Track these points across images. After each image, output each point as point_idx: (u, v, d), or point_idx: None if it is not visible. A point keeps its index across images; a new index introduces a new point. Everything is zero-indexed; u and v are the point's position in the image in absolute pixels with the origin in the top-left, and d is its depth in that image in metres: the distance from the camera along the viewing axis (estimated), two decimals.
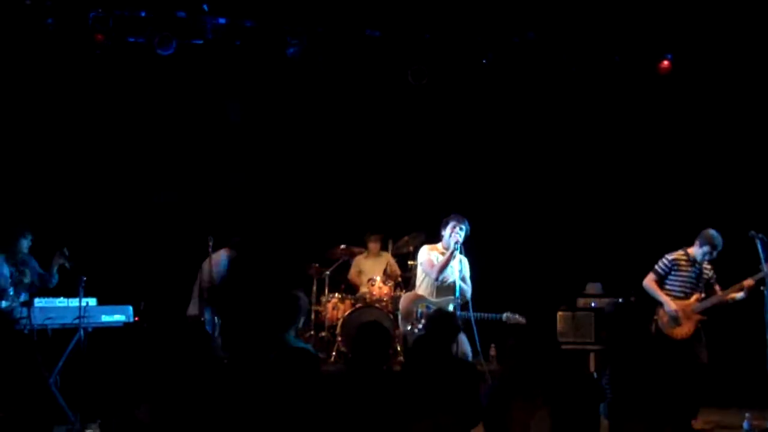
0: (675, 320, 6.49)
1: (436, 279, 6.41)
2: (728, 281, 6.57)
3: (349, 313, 8.10)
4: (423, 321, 6.24)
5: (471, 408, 4.14)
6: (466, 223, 6.42)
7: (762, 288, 6.14)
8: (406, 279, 8.52)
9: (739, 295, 6.43)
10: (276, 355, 4.16)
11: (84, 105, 8.21)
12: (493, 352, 7.85)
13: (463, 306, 6.29)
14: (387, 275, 8.57)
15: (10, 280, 6.22)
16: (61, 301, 6.37)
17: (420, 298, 6.51)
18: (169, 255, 7.99)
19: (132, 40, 7.72)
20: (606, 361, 5.73)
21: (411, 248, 8.55)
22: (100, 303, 6.54)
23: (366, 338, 4.31)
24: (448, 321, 4.82)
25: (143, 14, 7.64)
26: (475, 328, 6.15)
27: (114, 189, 8.39)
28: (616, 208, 8.73)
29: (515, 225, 8.97)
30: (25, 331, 6.03)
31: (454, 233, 6.34)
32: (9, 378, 4.81)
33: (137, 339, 6.47)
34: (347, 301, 8.47)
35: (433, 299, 6.43)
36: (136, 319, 6.68)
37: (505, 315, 6.35)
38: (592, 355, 7.53)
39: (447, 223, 6.43)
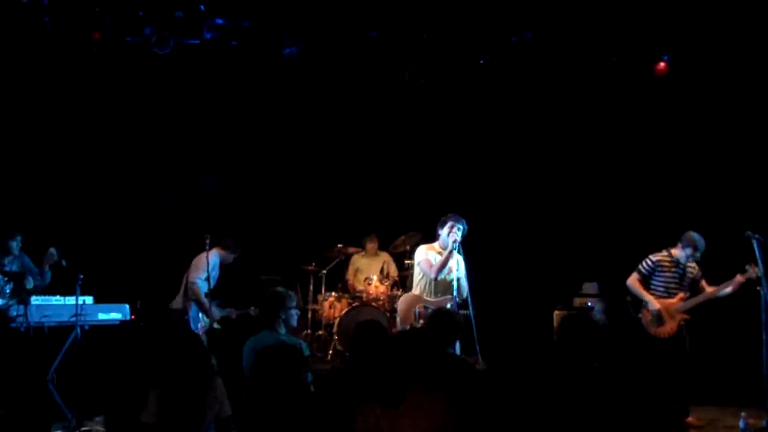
0: (658, 319, 6.52)
1: (435, 278, 6.40)
2: (723, 282, 6.56)
3: (346, 312, 8.13)
4: (421, 321, 6.24)
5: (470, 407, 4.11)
6: (464, 222, 6.43)
7: (758, 288, 6.15)
8: (402, 278, 8.54)
9: (727, 290, 6.45)
10: (264, 349, 4.15)
11: (81, 104, 8.19)
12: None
13: (462, 304, 6.29)
14: (384, 274, 8.58)
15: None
16: (57, 299, 6.37)
17: (418, 300, 6.49)
18: (166, 253, 7.99)
19: (129, 39, 7.72)
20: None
21: (408, 247, 8.57)
22: (96, 301, 6.53)
23: (365, 337, 4.30)
24: (450, 320, 4.78)
25: (141, 13, 7.63)
26: (474, 327, 6.14)
27: (111, 188, 8.38)
28: (612, 208, 8.73)
29: (512, 224, 8.98)
30: (22, 329, 6.03)
31: (452, 233, 6.34)
32: (8, 376, 4.81)
33: (134, 337, 6.48)
34: (344, 300, 8.49)
35: (431, 299, 6.44)
36: (133, 317, 6.68)
37: None
38: None
39: (445, 223, 6.43)
